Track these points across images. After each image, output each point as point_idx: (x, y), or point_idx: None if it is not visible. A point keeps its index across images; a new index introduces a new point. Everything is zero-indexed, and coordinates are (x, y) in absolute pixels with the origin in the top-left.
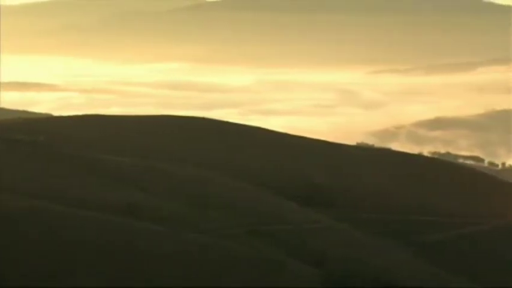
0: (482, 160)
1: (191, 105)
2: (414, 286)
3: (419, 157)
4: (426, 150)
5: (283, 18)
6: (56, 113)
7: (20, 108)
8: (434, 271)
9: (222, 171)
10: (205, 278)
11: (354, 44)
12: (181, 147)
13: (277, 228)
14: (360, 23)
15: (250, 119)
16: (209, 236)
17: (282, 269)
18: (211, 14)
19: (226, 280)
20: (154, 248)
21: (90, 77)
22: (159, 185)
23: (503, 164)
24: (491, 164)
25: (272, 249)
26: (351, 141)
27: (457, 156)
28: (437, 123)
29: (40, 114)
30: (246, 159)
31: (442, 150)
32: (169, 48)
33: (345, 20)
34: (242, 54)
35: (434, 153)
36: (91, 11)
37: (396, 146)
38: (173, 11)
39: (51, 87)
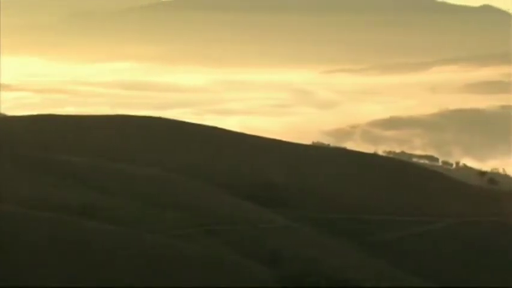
0: (436, 159)
1: (146, 105)
2: (369, 286)
3: (374, 156)
4: (381, 150)
5: (238, 18)
6: (10, 113)
7: None
8: (389, 270)
9: (178, 171)
10: (161, 278)
11: (309, 43)
12: (137, 147)
13: (233, 228)
14: (314, 23)
15: (206, 118)
16: (166, 236)
17: (237, 269)
18: (166, 13)
19: (182, 280)
20: (110, 248)
21: (44, 76)
22: (115, 185)
23: (457, 163)
24: (445, 163)
25: (228, 249)
26: (306, 140)
27: (411, 156)
28: (391, 123)
29: None
30: (202, 159)
31: (397, 150)
32: (124, 48)
33: (300, 20)
34: (197, 54)
35: (389, 152)
36: (45, 10)
37: (351, 146)
38: (128, 10)
39: (5, 87)
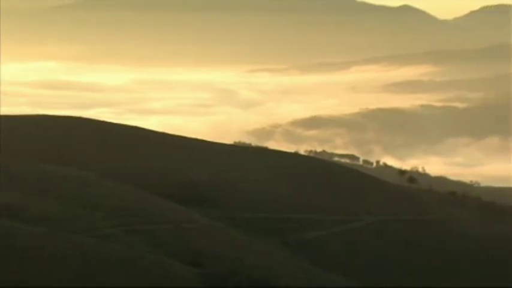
0: (357, 158)
1: (67, 104)
2: (291, 285)
3: (295, 156)
4: (302, 149)
5: (159, 17)
6: None
7: None
8: (311, 269)
9: (100, 171)
10: (84, 278)
11: (231, 43)
12: (58, 147)
13: (156, 227)
14: (236, 22)
15: (128, 118)
16: (88, 236)
17: (160, 268)
18: (87, 12)
19: (105, 280)
20: (32, 248)
21: None
22: (36, 185)
23: (378, 162)
24: (365, 162)
25: (151, 249)
26: (228, 140)
27: (332, 155)
28: (313, 122)
29: None
30: (124, 158)
31: (318, 149)
32: (45, 48)
33: (222, 19)
34: (119, 53)
35: (311, 151)
36: None
37: (273, 145)
38: (49, 9)
39: None
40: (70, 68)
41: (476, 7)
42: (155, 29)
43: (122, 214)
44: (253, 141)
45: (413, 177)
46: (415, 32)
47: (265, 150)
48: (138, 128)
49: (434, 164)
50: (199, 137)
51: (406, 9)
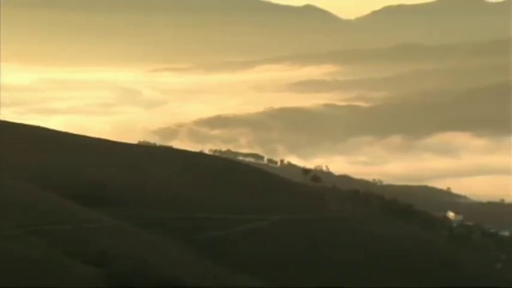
0: (261, 158)
1: None
2: (197, 285)
3: (200, 155)
4: (207, 148)
5: (64, 17)
6: None
7: None
8: (217, 269)
9: (1, 170)
10: None
11: (133, 42)
12: None
13: (58, 228)
14: (139, 22)
15: (30, 118)
16: None
17: (62, 269)
18: None
19: (4, 281)
20: None
21: None
22: None
23: (282, 161)
24: (270, 161)
25: (52, 250)
26: (132, 139)
27: (237, 154)
28: (217, 122)
29: None
30: (25, 158)
31: (223, 148)
32: None
33: (125, 19)
34: (23, 52)
35: (215, 151)
36: None
37: (177, 144)
38: None
39: None
40: None
41: (378, 7)
42: (60, 29)
43: (25, 214)
44: (158, 141)
45: (317, 176)
46: (318, 32)
47: (169, 150)
48: (41, 127)
49: (338, 163)
50: (103, 136)
51: (309, 9)
